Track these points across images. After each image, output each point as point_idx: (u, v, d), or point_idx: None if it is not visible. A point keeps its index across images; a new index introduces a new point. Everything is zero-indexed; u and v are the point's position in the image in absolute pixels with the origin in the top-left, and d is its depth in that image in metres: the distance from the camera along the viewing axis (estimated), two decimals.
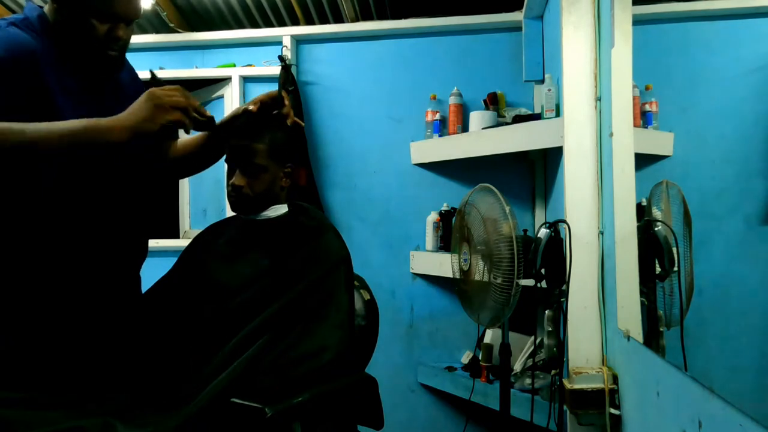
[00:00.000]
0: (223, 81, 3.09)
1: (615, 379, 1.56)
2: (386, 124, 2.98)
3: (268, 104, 1.40)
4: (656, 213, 1.52)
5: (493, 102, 2.72)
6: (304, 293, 1.34)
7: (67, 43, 1.23)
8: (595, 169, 1.71)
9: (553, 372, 1.73)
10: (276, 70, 2.93)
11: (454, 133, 2.76)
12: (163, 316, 1.37)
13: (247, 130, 1.39)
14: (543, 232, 1.71)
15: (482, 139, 2.56)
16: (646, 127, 1.69)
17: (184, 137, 1.55)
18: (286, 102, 1.42)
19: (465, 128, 2.76)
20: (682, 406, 1.09)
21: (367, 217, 3.00)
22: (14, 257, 1.21)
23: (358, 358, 1.50)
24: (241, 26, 3.29)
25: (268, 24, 3.24)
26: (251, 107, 1.39)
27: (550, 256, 1.69)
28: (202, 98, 3.15)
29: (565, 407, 1.67)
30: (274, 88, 2.90)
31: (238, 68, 3.04)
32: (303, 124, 1.55)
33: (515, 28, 2.79)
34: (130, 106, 1.19)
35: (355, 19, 3.08)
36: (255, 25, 3.27)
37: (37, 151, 1.11)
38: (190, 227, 3.21)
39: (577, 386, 1.59)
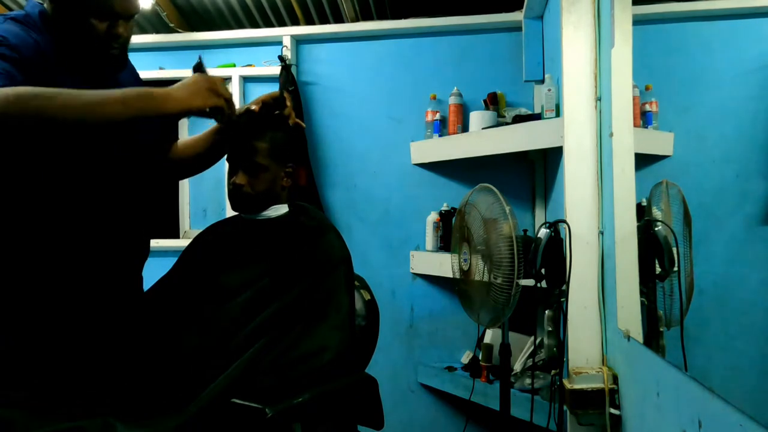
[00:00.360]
0: (223, 81, 3.08)
1: (615, 379, 1.56)
2: (386, 124, 2.98)
3: (270, 104, 1.41)
4: (656, 213, 1.52)
5: (493, 102, 2.72)
6: (304, 293, 1.34)
7: (67, 41, 1.22)
8: (595, 169, 1.71)
9: (553, 372, 1.73)
10: (276, 70, 2.93)
11: (454, 133, 2.76)
12: (163, 317, 1.37)
13: (248, 129, 1.40)
14: (543, 232, 1.71)
15: (482, 139, 2.56)
16: (646, 127, 1.69)
17: (184, 138, 1.56)
18: (288, 103, 1.43)
19: (465, 128, 2.76)
20: (682, 406, 1.09)
21: (367, 217, 3.00)
22: (15, 257, 1.20)
23: (359, 359, 1.50)
24: (241, 26, 3.29)
25: (268, 24, 3.24)
26: (253, 107, 1.40)
27: (550, 256, 1.69)
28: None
29: (565, 407, 1.67)
30: (274, 88, 2.92)
31: (238, 68, 3.04)
32: (304, 125, 1.55)
33: (515, 28, 2.79)
34: (182, 83, 1.21)
35: (355, 19, 3.08)
36: (255, 25, 3.27)
37: (89, 116, 1.09)
38: (190, 227, 3.21)
39: (577, 386, 1.59)
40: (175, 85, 1.21)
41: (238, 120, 1.36)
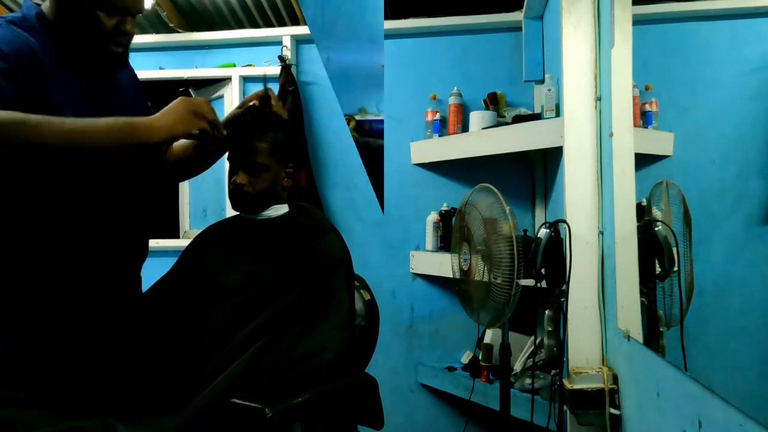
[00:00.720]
0: (223, 81, 3.09)
1: (615, 379, 1.56)
2: (386, 124, 2.98)
3: (258, 106, 1.43)
4: (656, 213, 1.52)
5: (493, 102, 2.72)
6: (304, 293, 1.34)
7: (68, 40, 1.22)
8: (595, 169, 1.71)
9: (553, 372, 1.73)
10: (276, 70, 2.93)
11: (454, 133, 2.76)
12: (163, 317, 1.37)
13: (248, 128, 1.40)
14: (543, 232, 1.71)
15: (482, 139, 2.56)
16: (646, 127, 1.69)
17: (181, 141, 1.55)
18: (273, 102, 1.44)
19: (465, 128, 2.76)
20: (682, 406, 1.09)
21: (367, 217, 2.99)
22: (15, 257, 1.20)
23: (358, 359, 1.50)
24: (241, 26, 3.29)
25: (268, 24, 3.24)
26: (237, 111, 1.42)
27: (550, 256, 1.69)
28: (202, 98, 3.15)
29: (565, 407, 1.67)
30: (274, 88, 2.91)
31: (238, 68, 3.04)
32: (286, 116, 1.55)
33: (515, 28, 2.79)
34: (164, 110, 1.21)
35: None
36: (255, 25, 3.27)
37: (71, 144, 1.10)
38: (190, 227, 3.21)
39: (577, 386, 1.59)
40: (159, 113, 1.21)
41: (225, 140, 1.36)
